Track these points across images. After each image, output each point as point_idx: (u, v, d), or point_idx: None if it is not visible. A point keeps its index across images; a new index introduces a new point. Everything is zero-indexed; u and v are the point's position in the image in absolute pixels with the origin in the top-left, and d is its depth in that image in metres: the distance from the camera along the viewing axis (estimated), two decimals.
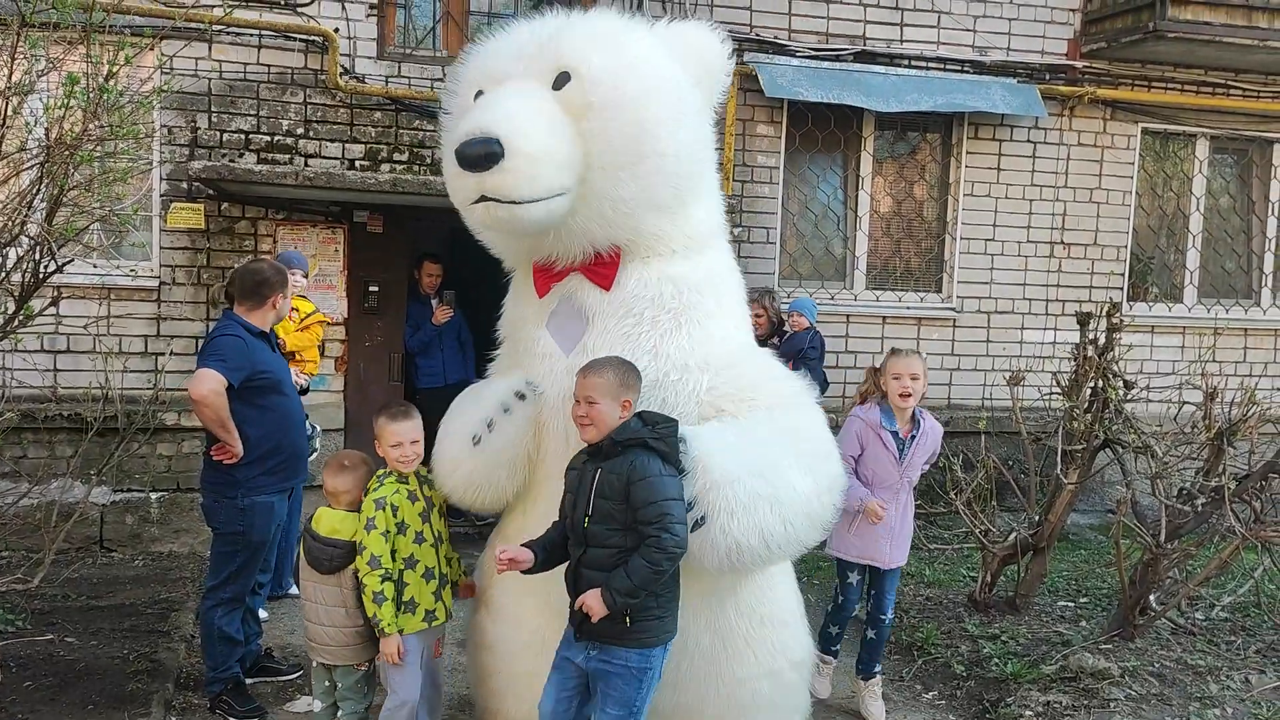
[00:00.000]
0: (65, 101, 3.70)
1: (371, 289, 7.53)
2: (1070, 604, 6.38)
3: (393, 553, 3.83)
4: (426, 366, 7.78)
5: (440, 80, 7.50)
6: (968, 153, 8.54)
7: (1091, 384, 5.88)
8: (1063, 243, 8.77)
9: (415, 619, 3.89)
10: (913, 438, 4.78)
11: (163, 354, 7.13)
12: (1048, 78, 8.57)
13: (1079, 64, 8.63)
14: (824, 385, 6.69)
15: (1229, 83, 8.91)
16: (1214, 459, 5.52)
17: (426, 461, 3.98)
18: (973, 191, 8.57)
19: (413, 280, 7.81)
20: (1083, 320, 6.04)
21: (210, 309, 7.21)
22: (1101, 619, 5.99)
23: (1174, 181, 9.14)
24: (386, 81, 7.42)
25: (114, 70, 3.86)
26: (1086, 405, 5.86)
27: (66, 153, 3.69)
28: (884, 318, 8.45)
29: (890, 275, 8.68)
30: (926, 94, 8.03)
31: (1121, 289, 8.89)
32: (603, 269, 3.73)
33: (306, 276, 6.45)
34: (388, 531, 3.81)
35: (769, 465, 3.42)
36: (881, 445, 4.76)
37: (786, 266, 8.42)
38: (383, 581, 3.79)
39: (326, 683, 4.16)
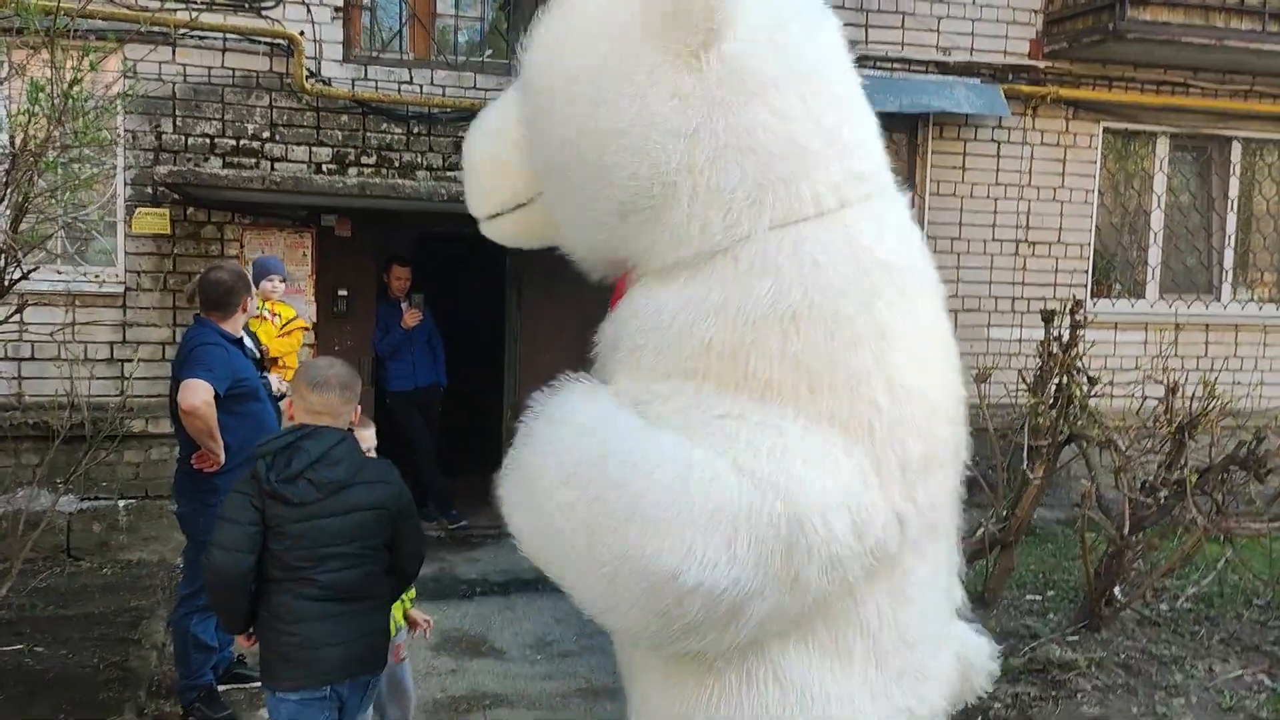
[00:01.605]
0: (30, 108, 3.66)
1: (340, 293, 7.52)
2: (1038, 597, 6.46)
3: None
4: (396, 370, 7.77)
5: (408, 83, 7.49)
6: (933, 152, 8.61)
7: (1057, 380, 5.95)
8: (1027, 241, 8.86)
9: None
10: None
11: (128, 360, 7.08)
12: (1011, 78, 8.66)
13: (1041, 64, 8.73)
14: None
15: (1188, 82, 9.03)
16: (1176, 452, 5.61)
17: None
18: (938, 191, 8.65)
19: (382, 284, 7.80)
20: (1047, 317, 6.12)
21: (177, 314, 7.17)
22: (1068, 611, 6.07)
23: (1135, 179, 9.26)
24: (353, 85, 7.39)
25: (79, 76, 3.84)
26: (1052, 401, 5.94)
27: (32, 159, 3.65)
28: None
29: None
30: (892, 95, 8.09)
31: (1085, 286, 8.99)
32: (619, 291, 3.04)
33: (284, 281, 6.42)
34: None
35: None
36: None
37: None
38: None
39: None
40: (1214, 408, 5.50)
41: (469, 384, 8.79)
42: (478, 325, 9.25)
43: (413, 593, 4.07)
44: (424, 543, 3.55)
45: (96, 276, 6.91)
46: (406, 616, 4.06)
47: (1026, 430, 5.97)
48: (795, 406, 2.64)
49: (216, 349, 4.42)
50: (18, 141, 3.70)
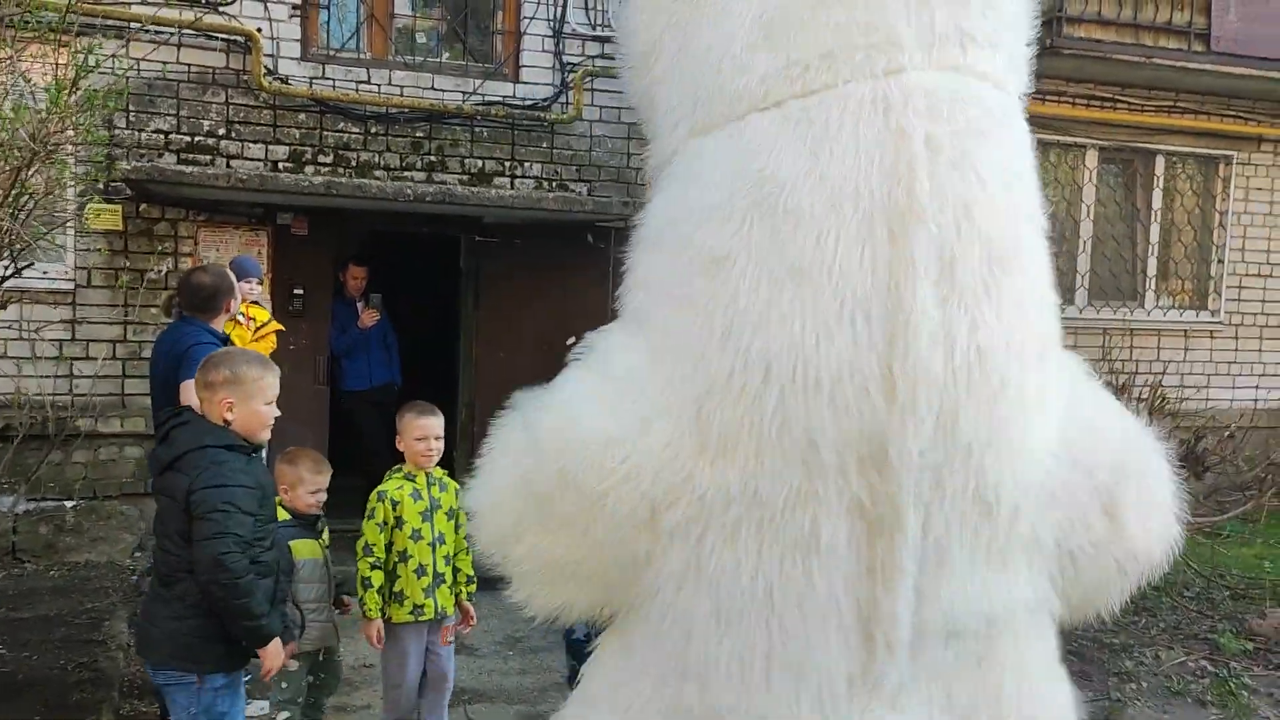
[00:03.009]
0: (51, 104, 3.62)
1: (296, 292, 7.45)
2: None
3: (389, 545, 3.99)
4: (352, 369, 7.75)
5: (365, 82, 7.47)
6: None
7: None
8: None
9: (403, 610, 4.04)
10: None
11: (78, 358, 6.94)
12: None
13: None
14: None
15: (1116, 97, 9.42)
16: None
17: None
18: None
19: (338, 282, 7.77)
20: None
21: (128, 311, 7.04)
22: None
23: (1066, 189, 9.63)
24: (310, 83, 7.35)
25: (84, 72, 3.80)
26: None
27: (43, 154, 3.62)
28: None
29: None
30: None
31: None
32: None
33: (261, 283, 6.35)
34: (384, 523, 3.98)
35: None
36: None
37: None
38: (371, 569, 3.96)
39: (284, 684, 4.17)
40: (1163, 407, 5.79)
41: (424, 383, 8.77)
42: (433, 323, 9.25)
43: (473, 586, 4.21)
44: (213, 556, 3.02)
45: (61, 273, 6.75)
46: (459, 604, 4.20)
47: None
48: (644, 337, 2.46)
49: (211, 349, 4.39)
50: (39, 138, 3.64)
